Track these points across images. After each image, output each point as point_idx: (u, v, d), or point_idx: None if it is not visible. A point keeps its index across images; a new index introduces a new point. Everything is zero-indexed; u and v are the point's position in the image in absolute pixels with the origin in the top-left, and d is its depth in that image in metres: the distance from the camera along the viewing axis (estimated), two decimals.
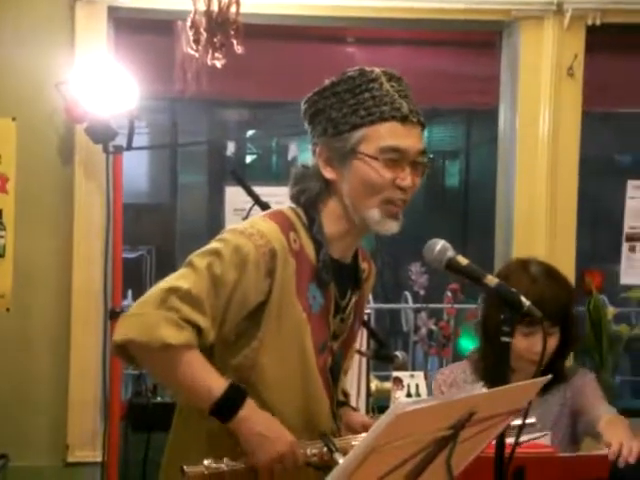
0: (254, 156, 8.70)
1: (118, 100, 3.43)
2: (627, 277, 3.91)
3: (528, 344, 2.37)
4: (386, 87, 1.87)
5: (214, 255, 1.81)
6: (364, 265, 2.04)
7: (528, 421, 1.94)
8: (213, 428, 1.85)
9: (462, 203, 8.28)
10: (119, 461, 3.48)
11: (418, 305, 4.44)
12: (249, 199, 2.74)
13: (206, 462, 1.77)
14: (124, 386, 3.78)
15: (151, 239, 7.46)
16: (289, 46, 4.76)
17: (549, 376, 1.65)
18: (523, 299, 1.75)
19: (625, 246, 3.87)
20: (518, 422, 1.74)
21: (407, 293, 5.02)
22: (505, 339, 1.75)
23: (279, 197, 2.78)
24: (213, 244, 1.84)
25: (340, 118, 1.86)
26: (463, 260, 1.81)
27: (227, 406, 1.78)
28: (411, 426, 1.34)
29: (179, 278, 1.81)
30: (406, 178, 1.85)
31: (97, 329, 3.64)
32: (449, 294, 4.15)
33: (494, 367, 2.36)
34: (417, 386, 3.39)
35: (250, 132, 8.56)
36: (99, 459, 3.54)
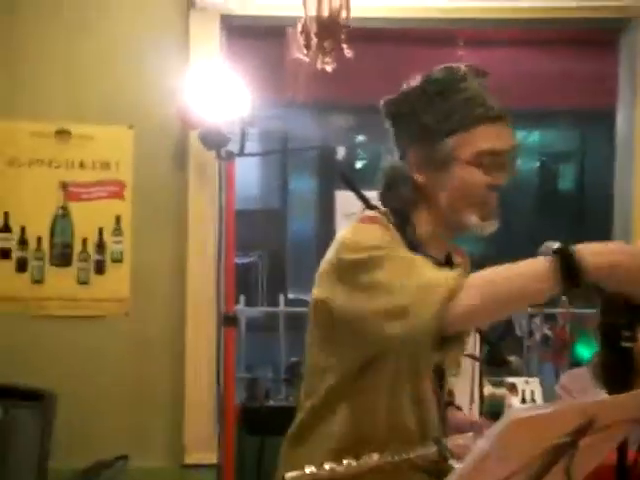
0: (364, 161, 8.71)
1: (231, 106, 3.48)
2: None
3: None
4: (475, 86, 1.84)
5: (362, 268, 1.76)
6: (458, 259, 2.01)
7: None
8: (339, 433, 1.84)
9: (577, 206, 8.10)
10: (235, 464, 3.52)
11: (533, 309, 4.36)
12: (359, 204, 2.72)
13: (307, 469, 1.76)
14: (238, 389, 3.82)
15: (262, 244, 7.53)
16: (398, 50, 4.75)
17: None
18: None
19: None
20: None
21: None
22: (626, 344, 1.70)
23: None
24: (347, 261, 1.78)
25: (433, 124, 1.82)
26: None
27: (568, 262, 1.60)
28: (527, 432, 1.31)
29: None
30: (501, 178, 1.82)
31: (211, 334, 3.69)
32: (565, 299, 4.06)
33: (615, 372, 2.29)
34: (532, 392, 3.32)
35: (360, 137, 8.56)
36: (215, 461, 3.59)
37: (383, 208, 1.92)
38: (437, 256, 1.91)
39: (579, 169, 8.39)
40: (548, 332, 4.17)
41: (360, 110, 7.35)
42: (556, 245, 1.75)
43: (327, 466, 1.75)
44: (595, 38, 4.52)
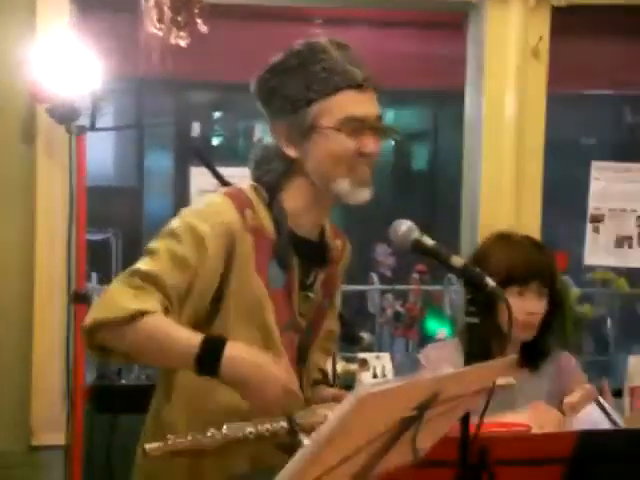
0: (220, 138, 8.65)
1: (81, 80, 3.39)
2: (591, 258, 3.93)
3: (521, 304, 2.35)
4: (335, 56, 1.87)
5: (172, 238, 1.81)
6: (337, 242, 2.04)
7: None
8: (196, 406, 1.84)
9: (429, 185, 8.29)
10: (84, 444, 3.46)
11: (384, 286, 4.45)
12: (215, 180, 2.71)
13: (169, 439, 1.74)
14: (88, 369, 3.75)
15: (118, 221, 7.41)
16: (255, 26, 4.73)
17: (514, 355, 1.66)
18: (488, 279, 1.75)
19: (589, 227, 3.90)
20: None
21: (373, 274, 5.03)
22: (471, 320, 1.75)
23: (245, 178, 2.77)
24: (170, 226, 1.84)
25: (295, 94, 1.85)
26: (429, 241, 1.80)
27: (208, 361, 1.73)
28: (375, 407, 1.34)
29: (140, 263, 1.81)
30: (369, 144, 1.85)
31: (61, 312, 3.61)
32: (415, 275, 4.16)
33: (469, 345, 2.37)
34: (383, 367, 3.39)
35: (216, 114, 8.50)
36: (63, 442, 3.52)
37: (254, 183, 1.92)
38: (307, 234, 1.93)
39: (432, 149, 8.58)
40: (400, 309, 4.27)
41: (217, 86, 7.30)
42: (404, 225, 1.80)
43: (189, 436, 1.74)
44: (447, 20, 4.63)
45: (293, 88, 1.85)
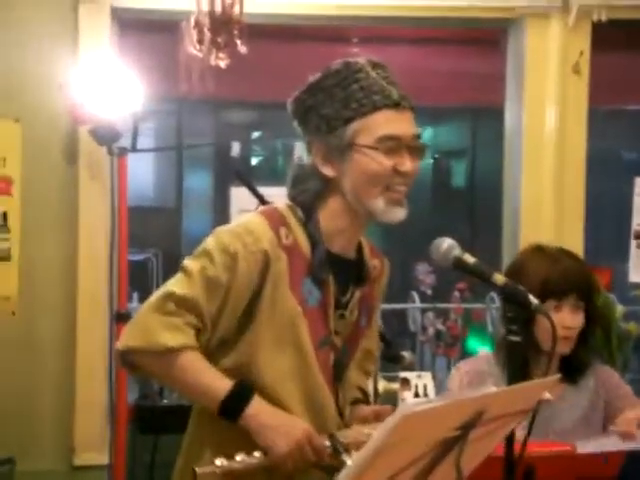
0: (260, 157, 8.69)
1: (122, 101, 3.42)
2: (636, 275, 3.88)
3: (558, 318, 2.31)
4: (372, 75, 1.87)
5: (205, 257, 1.83)
6: (375, 262, 2.03)
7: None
8: (229, 427, 1.84)
9: (469, 202, 8.26)
10: (126, 464, 3.47)
11: (425, 305, 4.43)
12: (255, 200, 2.72)
13: (217, 462, 1.75)
14: (130, 389, 3.77)
15: (158, 241, 7.46)
16: (294, 46, 4.76)
17: (558, 375, 1.63)
18: (531, 297, 1.73)
19: (633, 243, 3.85)
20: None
21: (414, 293, 5.00)
22: (513, 338, 1.73)
23: (285, 198, 2.77)
24: (204, 245, 1.86)
25: (332, 113, 1.85)
26: (470, 258, 1.79)
27: (233, 405, 1.79)
28: (419, 427, 1.33)
29: (175, 284, 1.84)
30: (405, 163, 1.84)
31: (103, 331, 3.63)
32: (457, 294, 4.14)
33: (511, 362, 2.34)
34: (425, 386, 3.36)
35: (256, 134, 8.55)
36: (106, 462, 3.53)
37: (289, 203, 1.93)
38: (343, 252, 1.92)
39: (471, 166, 8.56)
40: (441, 327, 4.25)
41: (256, 106, 7.34)
42: (445, 243, 1.78)
43: (239, 457, 1.75)
44: (484, 37, 4.62)
45: (330, 107, 1.86)
